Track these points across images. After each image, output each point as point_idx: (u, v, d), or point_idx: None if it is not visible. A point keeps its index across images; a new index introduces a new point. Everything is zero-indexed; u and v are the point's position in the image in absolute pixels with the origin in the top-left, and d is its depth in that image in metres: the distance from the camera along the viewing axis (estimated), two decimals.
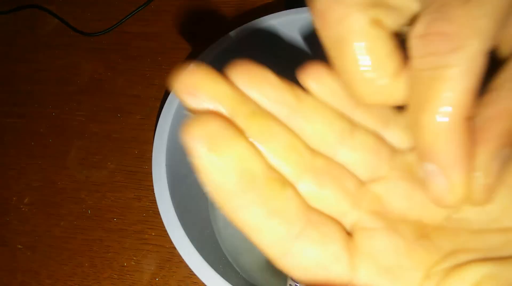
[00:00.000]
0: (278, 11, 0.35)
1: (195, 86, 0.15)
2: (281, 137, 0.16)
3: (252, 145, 0.15)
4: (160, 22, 0.51)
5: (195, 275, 0.26)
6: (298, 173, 0.16)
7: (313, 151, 0.17)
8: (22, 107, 0.47)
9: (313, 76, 0.18)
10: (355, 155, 0.18)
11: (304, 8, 0.35)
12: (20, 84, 0.49)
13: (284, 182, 0.16)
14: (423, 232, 0.16)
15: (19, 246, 0.40)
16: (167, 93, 0.33)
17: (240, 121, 0.15)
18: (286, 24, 0.35)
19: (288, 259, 0.15)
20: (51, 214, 0.41)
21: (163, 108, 0.32)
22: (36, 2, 0.54)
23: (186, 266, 0.26)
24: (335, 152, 0.18)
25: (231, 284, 0.25)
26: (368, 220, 0.17)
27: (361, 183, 0.17)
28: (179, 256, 0.27)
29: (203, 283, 0.26)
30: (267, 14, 0.35)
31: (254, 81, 0.16)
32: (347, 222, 0.17)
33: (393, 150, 0.18)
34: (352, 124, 0.18)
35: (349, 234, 0.17)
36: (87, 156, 0.43)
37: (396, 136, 0.18)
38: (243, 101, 0.16)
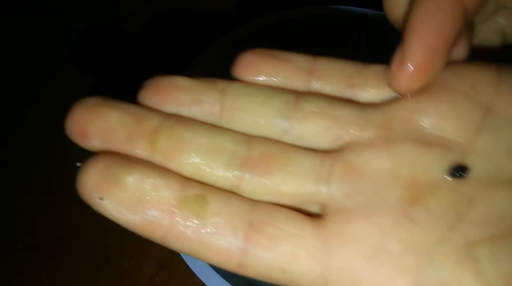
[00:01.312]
0: (279, 11, 0.35)
1: (83, 126, 0.15)
2: (198, 143, 0.15)
3: (153, 170, 0.14)
4: (160, 22, 0.51)
5: (195, 275, 0.26)
6: (230, 174, 0.15)
7: (250, 143, 0.15)
8: (22, 107, 0.47)
9: (245, 69, 0.16)
10: (307, 126, 0.16)
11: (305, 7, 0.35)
12: (20, 84, 0.49)
13: (204, 195, 0.14)
14: (416, 194, 0.14)
15: (19, 246, 0.40)
16: None
17: (142, 145, 0.15)
18: (288, 22, 0.35)
19: (246, 269, 0.14)
20: (51, 214, 0.41)
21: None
22: (36, 2, 0.54)
23: (186, 266, 0.26)
24: (285, 131, 0.16)
25: (231, 284, 0.25)
26: (341, 197, 0.14)
27: (325, 155, 0.15)
28: (179, 256, 0.27)
29: (203, 283, 0.26)
30: (270, 13, 0.35)
31: (165, 95, 0.16)
32: (316, 204, 0.15)
33: (362, 109, 0.16)
34: (298, 95, 0.16)
35: (320, 217, 0.15)
36: (87, 156, 0.43)
37: (367, 91, 0.16)
38: (140, 122, 0.15)
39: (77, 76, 0.48)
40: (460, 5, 0.15)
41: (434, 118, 0.15)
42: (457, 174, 0.14)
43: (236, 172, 0.15)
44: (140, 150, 0.15)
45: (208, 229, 0.14)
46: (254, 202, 0.15)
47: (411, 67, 0.15)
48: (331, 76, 0.17)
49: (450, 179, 0.14)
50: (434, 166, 0.14)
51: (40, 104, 0.47)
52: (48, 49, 0.51)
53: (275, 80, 0.16)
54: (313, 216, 0.15)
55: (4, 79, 0.49)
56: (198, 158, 0.15)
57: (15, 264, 0.39)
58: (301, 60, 0.17)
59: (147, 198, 0.14)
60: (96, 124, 0.15)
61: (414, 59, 0.15)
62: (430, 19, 0.14)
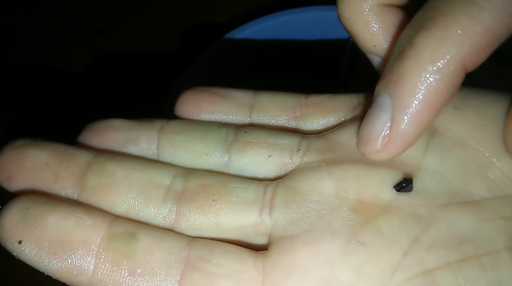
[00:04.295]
0: (278, 11, 0.35)
1: (8, 168, 0.14)
2: (131, 179, 0.14)
3: (78, 209, 0.13)
4: (160, 22, 0.51)
5: None
6: (166, 210, 0.14)
7: (189, 176, 0.14)
8: (22, 107, 0.47)
9: (187, 107, 0.17)
10: (247, 157, 0.15)
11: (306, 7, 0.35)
12: (20, 85, 0.49)
13: (134, 232, 0.13)
14: (365, 216, 0.13)
15: None
16: (167, 94, 0.33)
17: (70, 184, 0.14)
18: (287, 22, 0.35)
19: None
20: None
21: (162, 109, 0.32)
22: (36, 2, 0.54)
23: None
24: (225, 163, 0.15)
25: None
26: (285, 224, 0.13)
27: (268, 183, 0.15)
28: None
29: None
30: (269, 13, 0.35)
31: (100, 137, 0.16)
32: (262, 236, 0.14)
33: (304, 137, 0.16)
34: (237, 128, 0.16)
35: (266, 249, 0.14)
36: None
37: (308, 121, 0.16)
38: (69, 161, 0.14)
39: (77, 77, 0.48)
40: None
41: None
42: (402, 188, 0.13)
43: (172, 207, 0.14)
44: (67, 189, 0.14)
45: (138, 270, 0.12)
46: (192, 239, 0.13)
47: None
48: (272, 110, 0.17)
49: (396, 192, 0.13)
50: (382, 186, 0.13)
51: (39, 104, 0.47)
52: (48, 49, 0.51)
53: (216, 116, 0.17)
54: (259, 249, 0.14)
55: (4, 80, 0.49)
56: (130, 194, 0.14)
57: (15, 264, 0.39)
58: (242, 96, 0.17)
59: (70, 239, 0.13)
60: (22, 165, 0.14)
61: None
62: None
